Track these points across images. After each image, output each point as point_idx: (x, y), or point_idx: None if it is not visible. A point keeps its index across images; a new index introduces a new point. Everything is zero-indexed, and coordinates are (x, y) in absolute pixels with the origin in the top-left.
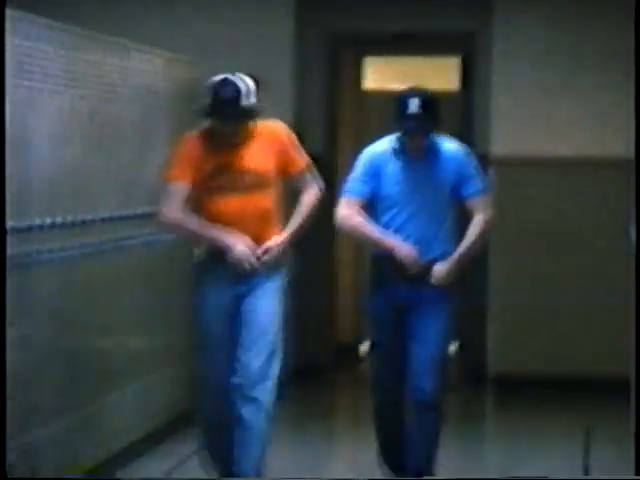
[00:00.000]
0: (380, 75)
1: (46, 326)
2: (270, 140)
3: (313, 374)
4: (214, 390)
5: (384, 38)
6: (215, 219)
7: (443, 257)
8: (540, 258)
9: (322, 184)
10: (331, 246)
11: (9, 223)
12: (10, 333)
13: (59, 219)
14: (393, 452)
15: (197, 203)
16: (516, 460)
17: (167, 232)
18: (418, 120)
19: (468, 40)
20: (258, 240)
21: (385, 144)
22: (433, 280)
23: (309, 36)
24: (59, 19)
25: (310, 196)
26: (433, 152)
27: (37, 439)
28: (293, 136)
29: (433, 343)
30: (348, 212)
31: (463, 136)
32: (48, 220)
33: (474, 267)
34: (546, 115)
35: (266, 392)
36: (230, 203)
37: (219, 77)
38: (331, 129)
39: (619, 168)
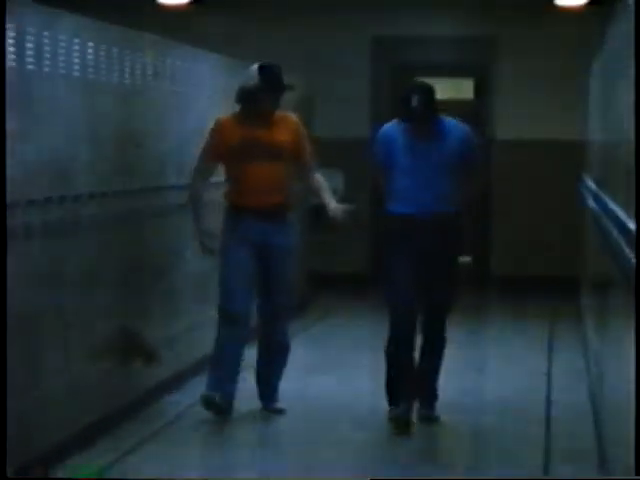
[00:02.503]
0: None
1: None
2: (289, 125)
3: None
4: (238, 312)
5: (427, 66)
6: (245, 180)
7: (444, 212)
8: (527, 200)
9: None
10: None
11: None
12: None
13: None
14: (399, 386)
15: (232, 168)
16: (510, 329)
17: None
18: (418, 112)
19: (479, 68)
20: (272, 197)
21: (396, 125)
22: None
23: (379, 66)
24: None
25: (320, 179)
26: (438, 132)
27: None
28: (304, 128)
29: (444, 290)
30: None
31: (477, 128)
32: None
33: (484, 210)
34: (530, 114)
35: (286, 317)
36: (257, 168)
37: (258, 64)
38: None
39: (574, 147)
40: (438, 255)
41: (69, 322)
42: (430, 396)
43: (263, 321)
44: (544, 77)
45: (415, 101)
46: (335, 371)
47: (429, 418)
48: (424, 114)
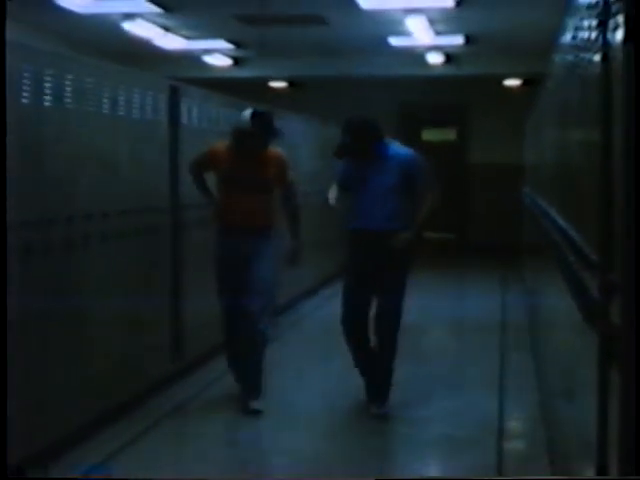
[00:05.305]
0: (428, 134)
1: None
2: (276, 160)
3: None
4: (230, 312)
5: (430, 121)
6: (234, 206)
7: (389, 231)
8: (490, 198)
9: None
10: None
11: None
12: None
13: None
14: (364, 365)
15: (223, 195)
16: (479, 277)
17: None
18: (349, 145)
19: (459, 121)
20: (257, 225)
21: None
22: (396, 244)
23: (404, 121)
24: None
25: (295, 214)
26: (382, 157)
27: None
28: (288, 161)
29: (395, 294)
30: (332, 193)
31: (459, 157)
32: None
33: (465, 202)
34: (490, 148)
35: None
36: (245, 197)
37: (252, 109)
38: None
39: (518, 168)
40: (385, 267)
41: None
42: (382, 395)
43: (245, 319)
44: (499, 126)
45: (348, 135)
46: None
47: (380, 416)
48: (355, 147)
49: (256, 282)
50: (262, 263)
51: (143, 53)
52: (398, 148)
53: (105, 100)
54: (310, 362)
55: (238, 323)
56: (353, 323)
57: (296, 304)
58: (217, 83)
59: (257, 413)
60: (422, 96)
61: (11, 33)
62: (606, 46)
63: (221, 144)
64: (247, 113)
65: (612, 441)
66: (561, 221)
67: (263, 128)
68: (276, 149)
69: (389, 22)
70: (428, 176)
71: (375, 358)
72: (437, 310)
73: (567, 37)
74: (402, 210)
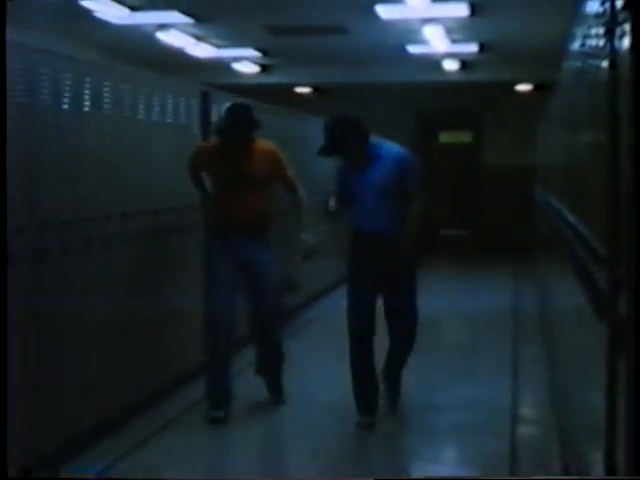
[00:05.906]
0: (444, 136)
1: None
2: (267, 154)
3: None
4: (218, 323)
5: (447, 123)
6: (224, 204)
7: (389, 232)
8: (504, 196)
9: (303, 190)
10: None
11: None
12: None
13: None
14: (365, 394)
15: (213, 193)
16: (492, 271)
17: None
18: (329, 144)
19: (473, 124)
20: (250, 223)
21: None
22: (403, 246)
23: (419, 125)
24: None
25: (303, 197)
26: (374, 158)
27: None
28: (281, 153)
29: (407, 294)
30: (331, 203)
31: (474, 159)
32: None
33: (479, 200)
34: (503, 150)
35: (277, 327)
36: (232, 195)
37: (234, 102)
38: (426, 162)
39: (530, 168)
40: (389, 269)
41: None
42: (394, 393)
43: (254, 330)
44: (511, 129)
45: (326, 136)
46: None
47: (395, 412)
48: (335, 145)
49: (259, 293)
50: (261, 263)
51: (176, 61)
52: (390, 147)
53: (140, 105)
54: (326, 357)
55: (230, 325)
56: (360, 327)
57: (311, 303)
58: (245, 89)
59: (281, 402)
60: (438, 101)
61: (54, 45)
62: (613, 53)
63: (209, 142)
64: (224, 108)
65: (620, 433)
66: (571, 218)
67: (239, 121)
68: (268, 143)
69: (407, 31)
70: (417, 182)
71: (371, 363)
72: (451, 303)
73: (576, 45)
74: (399, 210)
